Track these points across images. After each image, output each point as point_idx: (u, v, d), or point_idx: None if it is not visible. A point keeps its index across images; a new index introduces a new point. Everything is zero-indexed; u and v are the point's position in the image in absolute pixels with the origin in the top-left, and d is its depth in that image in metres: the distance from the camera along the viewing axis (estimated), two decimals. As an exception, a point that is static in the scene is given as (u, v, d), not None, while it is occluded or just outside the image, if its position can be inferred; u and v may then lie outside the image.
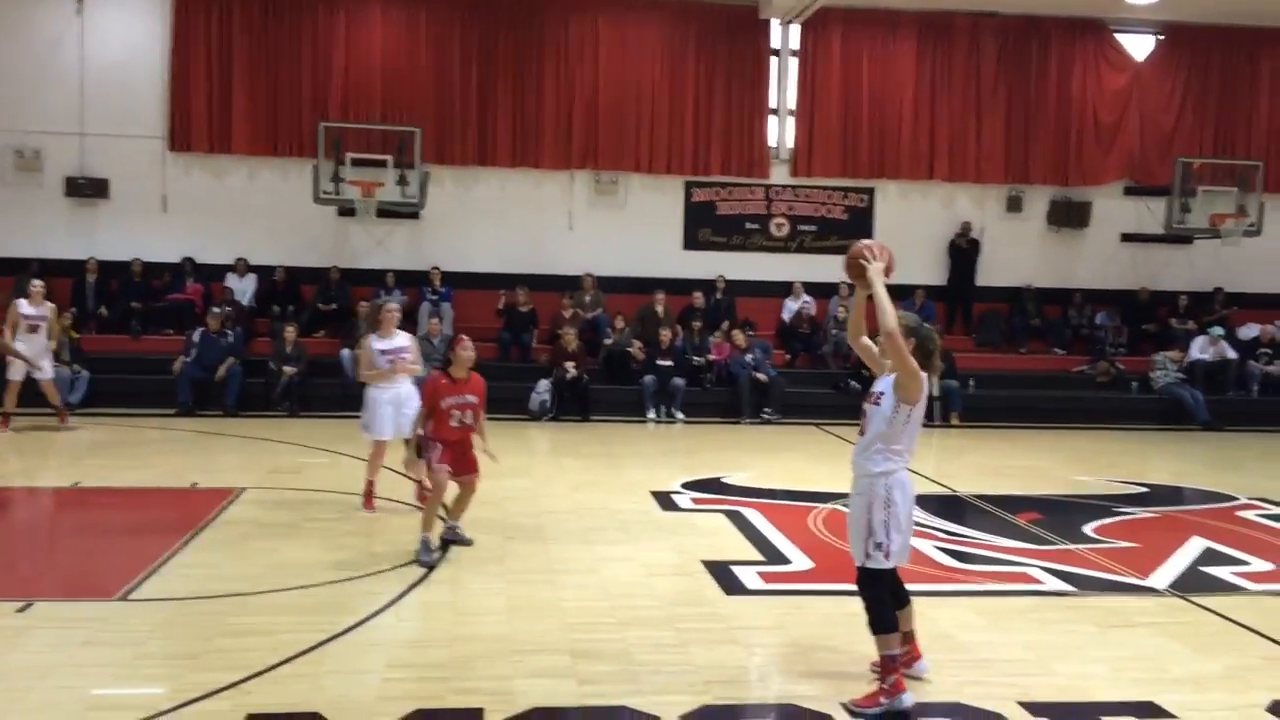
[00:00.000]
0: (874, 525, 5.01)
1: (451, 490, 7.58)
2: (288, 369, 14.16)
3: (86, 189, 15.91)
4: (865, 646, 5.30)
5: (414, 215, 16.36)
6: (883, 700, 4.97)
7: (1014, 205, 17.94)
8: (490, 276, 16.33)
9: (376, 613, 6.13)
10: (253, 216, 16.26)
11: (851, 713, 4.93)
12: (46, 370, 12.45)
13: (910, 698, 4.99)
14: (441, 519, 7.65)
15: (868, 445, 5.07)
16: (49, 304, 12.74)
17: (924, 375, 4.99)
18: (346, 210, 15.98)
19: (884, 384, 5.06)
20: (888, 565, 5.06)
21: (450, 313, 15.67)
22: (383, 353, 8.78)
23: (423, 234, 16.75)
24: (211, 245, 16.03)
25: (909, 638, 5.37)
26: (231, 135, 16.14)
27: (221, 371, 14.00)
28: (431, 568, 7.02)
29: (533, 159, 16.82)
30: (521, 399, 14.44)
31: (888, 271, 5.01)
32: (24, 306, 12.40)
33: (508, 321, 15.92)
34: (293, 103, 16.22)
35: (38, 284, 12.73)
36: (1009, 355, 17.18)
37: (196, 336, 14.30)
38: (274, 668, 5.23)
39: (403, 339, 8.94)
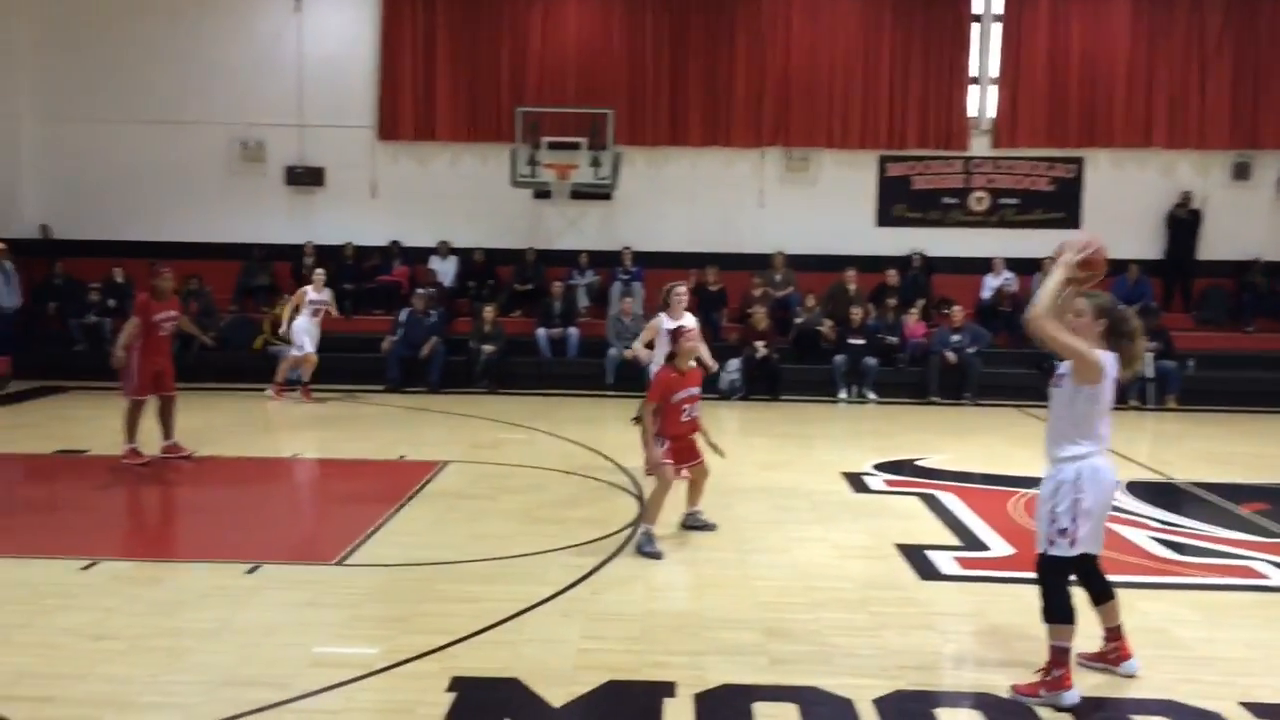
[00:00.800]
0: (1058, 512, 4.80)
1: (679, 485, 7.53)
2: (486, 348, 14.69)
3: (304, 177, 16.93)
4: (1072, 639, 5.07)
5: (606, 196, 16.63)
6: (1043, 692, 4.80)
7: (1240, 172, 16.64)
8: (681, 256, 16.42)
9: (572, 585, 6.29)
10: (454, 200, 16.90)
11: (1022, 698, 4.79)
12: (308, 348, 13.72)
13: (1075, 696, 4.76)
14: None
15: (1053, 429, 4.89)
16: (328, 290, 14.09)
17: (1100, 356, 4.71)
18: (542, 193, 16.40)
19: (1065, 366, 4.83)
20: (1072, 553, 4.82)
21: (641, 292, 15.86)
22: (669, 332, 9.20)
23: (615, 214, 17.01)
24: (416, 229, 16.77)
25: (1116, 633, 5.11)
26: (435, 123, 16.82)
27: (426, 350, 14.67)
28: (658, 557, 6.89)
29: (723, 137, 16.79)
30: (711, 378, 14.33)
31: (1091, 265, 4.76)
32: (310, 293, 13.77)
33: (698, 301, 15.96)
34: (492, 89, 16.74)
35: (320, 272, 14.09)
36: (1233, 334, 15.98)
37: (403, 317, 15.03)
38: (476, 634, 5.45)
39: (689, 320, 9.16)
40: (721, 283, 16.05)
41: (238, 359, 15.14)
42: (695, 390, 7.34)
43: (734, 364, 14.60)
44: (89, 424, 11.40)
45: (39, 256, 16.05)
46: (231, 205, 16.90)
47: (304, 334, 13.68)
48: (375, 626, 5.62)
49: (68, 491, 8.66)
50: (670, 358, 7.47)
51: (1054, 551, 4.84)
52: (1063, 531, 4.81)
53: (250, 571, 6.42)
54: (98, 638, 5.33)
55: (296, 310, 13.75)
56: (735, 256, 16.41)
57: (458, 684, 4.83)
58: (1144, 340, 4.99)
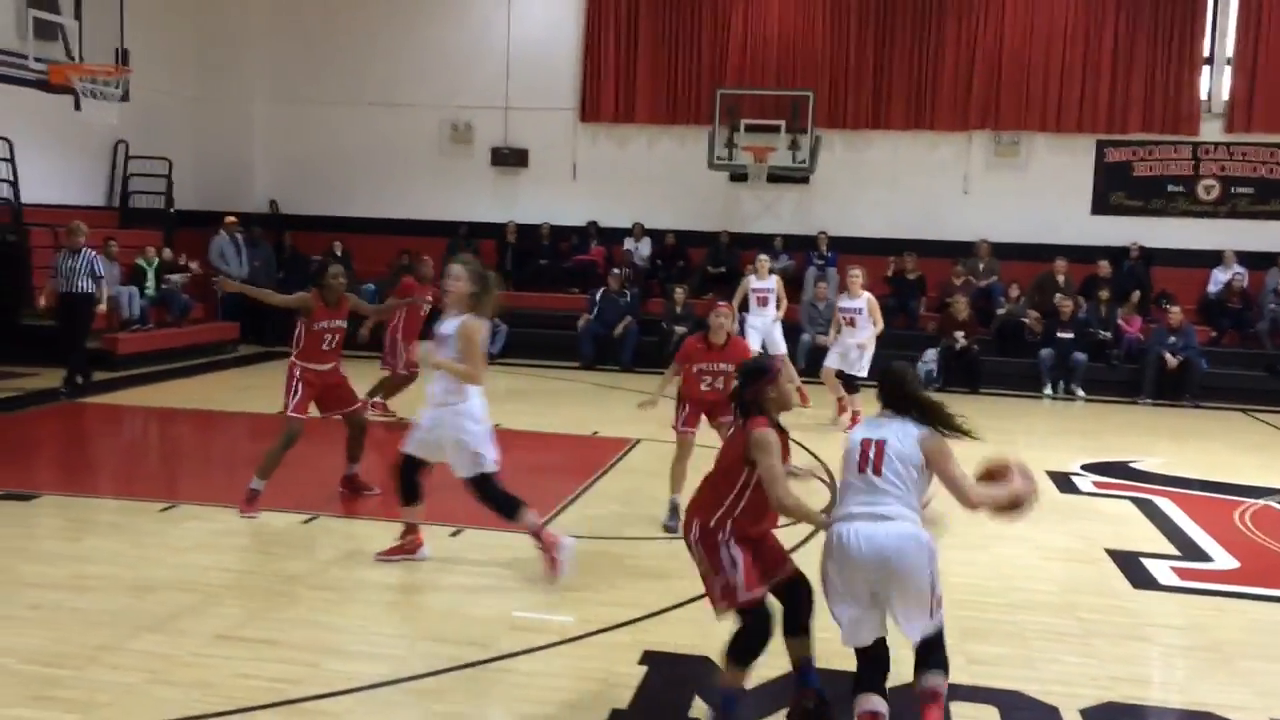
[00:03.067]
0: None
1: None
2: (679, 328, 14.77)
3: (510, 158, 17.44)
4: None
5: (804, 180, 16.41)
6: None
7: None
8: (879, 242, 16.04)
9: (763, 568, 6.25)
10: (650, 182, 17.04)
11: None
12: None
13: None
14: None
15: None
16: (774, 277, 12.57)
17: None
18: (738, 175, 16.33)
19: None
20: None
21: (836, 278, 15.57)
22: (841, 310, 9.50)
23: (811, 198, 16.77)
24: (613, 210, 17.00)
25: None
26: (635, 105, 16.99)
27: (620, 329, 14.88)
28: (674, 531, 6.53)
29: (927, 121, 16.26)
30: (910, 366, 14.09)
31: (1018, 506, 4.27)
32: (754, 281, 12.40)
33: (895, 288, 15.58)
34: (691, 72, 16.77)
35: (764, 259, 12.63)
36: None
37: (598, 296, 15.30)
38: (667, 610, 5.50)
39: (860, 301, 10.61)
40: (920, 270, 15.60)
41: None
42: (725, 366, 6.87)
43: (931, 354, 14.18)
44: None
45: (268, 229, 17.16)
46: (440, 184, 17.59)
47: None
48: (571, 596, 5.75)
49: (292, 450, 9.23)
50: (705, 330, 7.22)
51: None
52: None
53: (454, 535, 6.68)
54: (316, 588, 5.67)
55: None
56: (936, 244, 15.90)
57: (649, 657, 4.89)
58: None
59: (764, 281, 12.25)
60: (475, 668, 4.72)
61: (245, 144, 17.77)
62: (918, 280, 15.59)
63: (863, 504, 4.10)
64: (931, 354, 14.16)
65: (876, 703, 4.08)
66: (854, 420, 10.99)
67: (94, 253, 11.42)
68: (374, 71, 17.48)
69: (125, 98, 9.72)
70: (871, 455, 4.13)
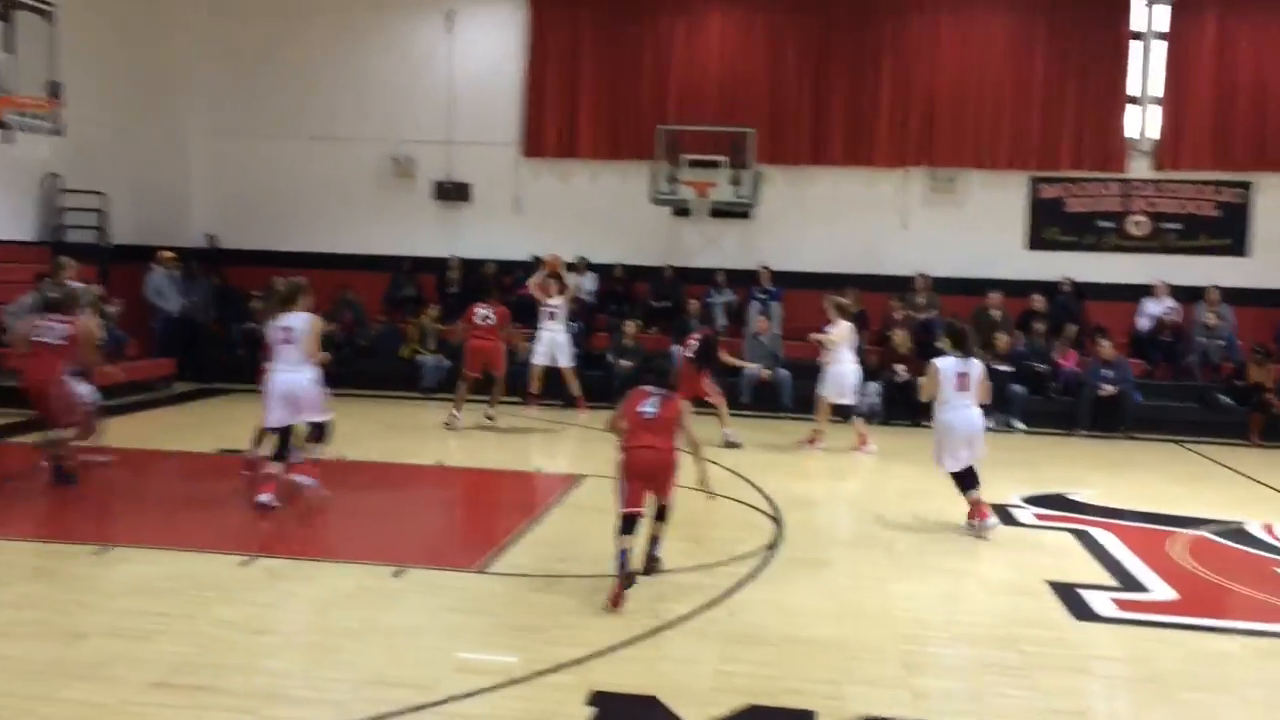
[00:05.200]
0: None
1: None
2: (624, 363, 14.77)
3: (452, 192, 17.39)
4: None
5: (746, 215, 16.57)
6: None
7: None
8: (820, 276, 16.19)
9: (708, 605, 6.24)
10: (593, 217, 17.09)
11: None
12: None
13: None
14: None
15: None
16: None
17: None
18: (681, 210, 16.45)
19: None
20: None
21: (779, 312, 15.73)
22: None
23: (754, 233, 16.93)
24: (556, 244, 16.85)
25: None
26: (577, 140, 17.06)
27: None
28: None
29: (866, 157, 16.55)
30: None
31: None
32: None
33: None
34: (633, 108, 16.89)
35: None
36: None
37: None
38: (614, 649, 5.45)
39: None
40: (861, 304, 15.78)
41: (385, 366, 15.61)
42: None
43: (873, 387, 14.32)
44: (248, 425, 11.87)
45: (206, 264, 16.87)
46: (382, 219, 17.47)
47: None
48: (515, 635, 5.68)
49: (227, 489, 9.05)
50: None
51: None
52: None
53: (396, 574, 6.58)
54: (255, 631, 5.53)
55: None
56: (876, 278, 16.11)
57: (597, 699, 4.84)
58: None
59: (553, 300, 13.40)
60: (419, 711, 4.63)
61: (182, 178, 17.53)
62: (859, 314, 15.74)
63: (961, 404, 8.26)
64: (873, 387, 14.30)
65: (975, 493, 8.30)
66: (813, 442, 11.78)
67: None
68: (314, 105, 17.37)
69: (58, 132, 9.50)
70: (962, 377, 8.26)
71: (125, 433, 11.28)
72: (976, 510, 8.26)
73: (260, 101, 17.45)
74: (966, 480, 8.30)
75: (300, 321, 8.33)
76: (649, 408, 6.52)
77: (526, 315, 16.12)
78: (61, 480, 8.63)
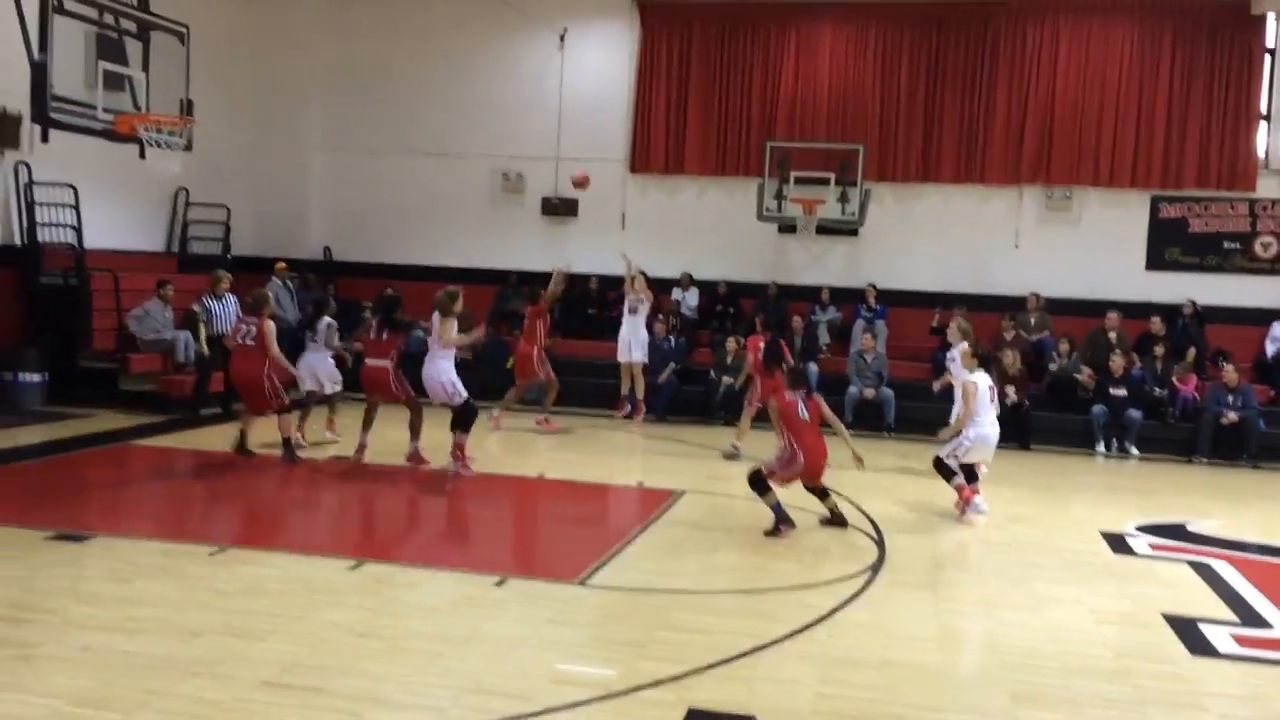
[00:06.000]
0: None
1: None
2: (726, 379, 14.74)
3: (559, 208, 17.61)
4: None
5: (853, 232, 16.39)
6: None
7: None
8: (927, 295, 15.95)
9: (809, 625, 6.17)
10: (699, 233, 17.11)
11: None
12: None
13: None
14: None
15: None
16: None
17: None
18: (787, 227, 16.36)
19: None
20: None
21: (884, 330, 15.52)
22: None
23: (860, 251, 16.74)
24: (661, 259, 17.03)
25: None
26: (684, 157, 17.12)
27: (662, 377, 14.87)
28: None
29: (978, 174, 16.22)
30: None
31: None
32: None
33: (943, 341, 15.44)
34: (741, 124, 16.89)
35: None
36: None
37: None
38: (712, 666, 5.43)
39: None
40: (969, 324, 15.43)
41: (491, 377, 15.85)
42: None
43: (981, 409, 13.99)
44: (355, 431, 12.22)
45: (322, 275, 17.42)
46: (491, 233, 17.79)
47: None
48: (613, 649, 5.70)
49: (339, 495, 9.31)
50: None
51: None
52: None
53: (498, 584, 6.67)
54: (361, 635, 5.67)
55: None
56: (986, 298, 15.77)
57: (693, 716, 4.82)
58: None
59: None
60: (518, 721, 4.69)
61: (301, 192, 18.13)
62: (986, 356, 15.40)
63: (992, 418, 9.43)
64: (981, 409, 13.98)
65: (977, 485, 9.41)
66: (965, 500, 9.35)
67: (235, 299, 12.71)
68: (428, 122, 17.80)
69: (189, 147, 9.97)
70: (992, 390, 9.41)
71: (250, 436, 11.69)
72: (962, 496, 9.30)
73: (376, 119, 17.96)
74: (969, 474, 9.46)
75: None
76: (803, 413, 8.19)
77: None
78: (289, 459, 9.97)
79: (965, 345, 10.47)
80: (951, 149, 16.25)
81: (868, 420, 14.32)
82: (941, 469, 9.49)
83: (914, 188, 16.50)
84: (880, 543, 8.25)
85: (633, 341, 14.39)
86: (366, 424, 10.51)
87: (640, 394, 14.41)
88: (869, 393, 14.48)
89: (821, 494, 8.61)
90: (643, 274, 14.70)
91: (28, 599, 6.05)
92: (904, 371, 15.19)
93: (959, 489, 9.33)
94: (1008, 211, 16.32)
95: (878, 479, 11.14)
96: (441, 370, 10.03)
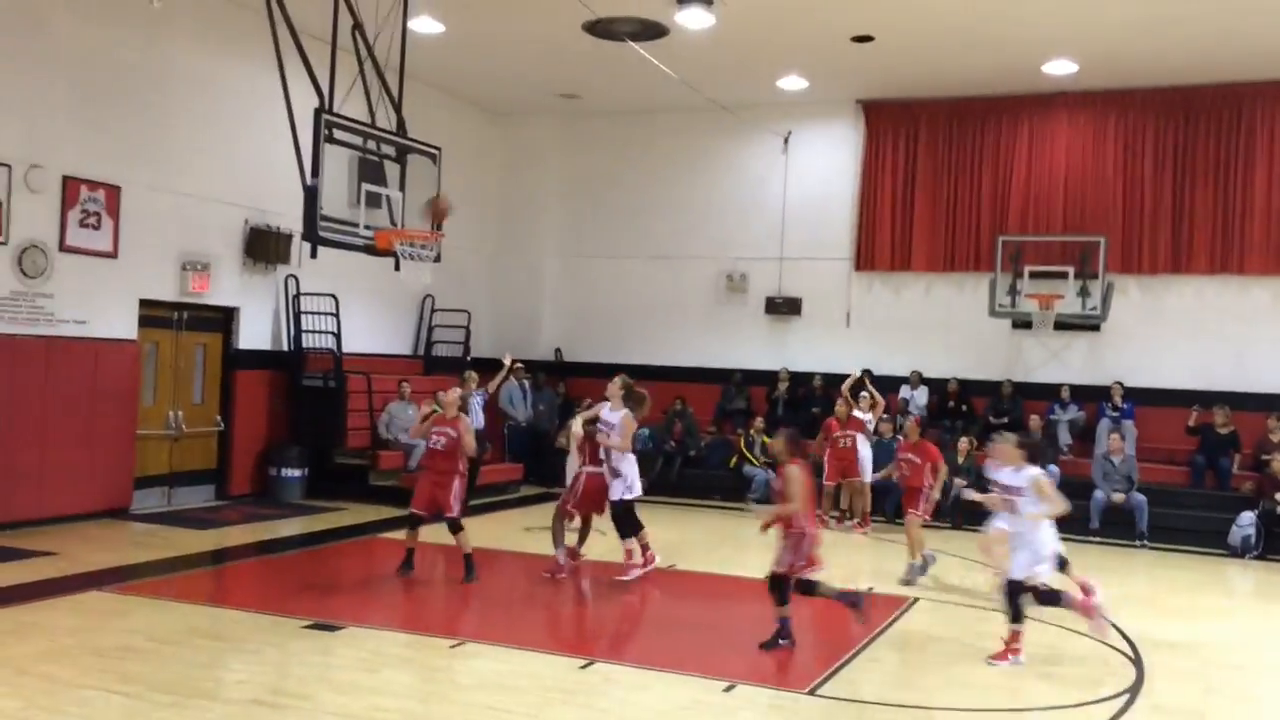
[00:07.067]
0: None
1: None
2: (959, 481, 14.15)
3: (783, 307, 17.65)
4: None
5: (1095, 327, 15.56)
6: None
7: None
8: (1181, 393, 14.88)
9: (1062, 752, 5.74)
10: (927, 330, 16.70)
11: None
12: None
13: None
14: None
15: None
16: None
17: None
18: (1021, 322, 15.73)
19: None
20: None
21: (1133, 430, 14.55)
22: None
23: (1103, 346, 15.84)
24: (887, 358, 16.73)
25: None
26: (911, 253, 16.84)
27: (882, 475, 14.43)
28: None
29: (1237, 263, 15.10)
30: (1221, 530, 12.87)
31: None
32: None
33: (1202, 441, 14.33)
34: (971, 218, 16.50)
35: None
36: None
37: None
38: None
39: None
40: (1232, 424, 14.28)
41: (714, 477, 15.90)
42: None
43: (1248, 517, 12.84)
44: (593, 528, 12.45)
45: (552, 375, 18.10)
46: (715, 332, 18.00)
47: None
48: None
49: (570, 592, 9.47)
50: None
51: None
52: None
53: (727, 690, 6.56)
54: (592, 736, 5.69)
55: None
56: (1251, 396, 14.55)
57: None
58: None
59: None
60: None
61: (535, 296, 18.99)
62: (1230, 435, 14.26)
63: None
64: (1248, 517, 12.83)
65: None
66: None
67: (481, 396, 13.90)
68: (654, 227, 18.34)
69: (438, 259, 10.66)
70: None
71: (480, 533, 12.15)
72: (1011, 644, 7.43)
73: (606, 225, 18.69)
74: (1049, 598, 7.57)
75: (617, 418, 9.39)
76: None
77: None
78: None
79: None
80: (1204, 238, 15.25)
81: (1118, 528, 13.39)
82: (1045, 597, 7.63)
83: (1163, 279, 15.55)
84: (1138, 663, 7.61)
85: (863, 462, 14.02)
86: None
87: (867, 506, 14.00)
88: (1118, 498, 13.57)
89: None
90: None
91: (285, 685, 6.43)
92: (1156, 475, 14.17)
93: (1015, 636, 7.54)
94: (1273, 302, 15.09)
95: (1131, 590, 10.36)
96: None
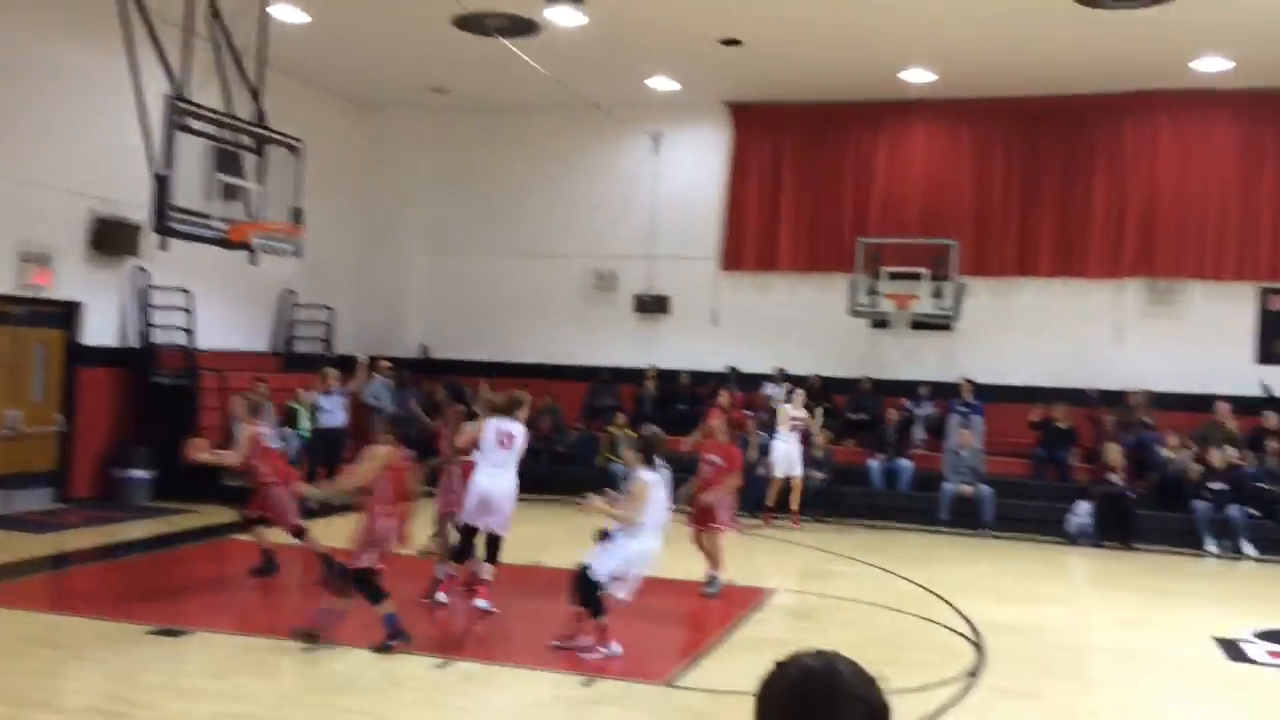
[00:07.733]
0: None
1: None
2: (816, 474, 14.55)
3: (651, 305, 17.82)
4: None
5: (947, 327, 16.18)
6: None
7: None
8: (1026, 390, 15.61)
9: (904, 734, 5.96)
10: (791, 328, 17.09)
11: None
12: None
13: None
14: None
15: None
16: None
17: None
18: (879, 322, 16.26)
19: None
20: None
21: (981, 426, 15.19)
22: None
23: (955, 345, 16.49)
24: (752, 355, 17.07)
25: None
26: (776, 254, 17.23)
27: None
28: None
29: (1077, 268, 15.93)
30: (1060, 520, 13.56)
31: None
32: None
33: (1043, 435, 15.07)
34: (833, 221, 16.95)
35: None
36: None
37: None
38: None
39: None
40: (1071, 420, 15.06)
41: (580, 474, 15.93)
42: None
43: (1084, 507, 13.55)
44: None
45: (417, 373, 17.85)
46: (584, 330, 18.06)
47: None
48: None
49: (416, 591, 9.35)
50: None
51: None
52: None
53: (585, 684, 6.61)
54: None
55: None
56: (1085, 393, 15.35)
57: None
58: None
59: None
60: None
61: (400, 292, 18.70)
62: (1069, 430, 15.04)
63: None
64: (1084, 507, 13.54)
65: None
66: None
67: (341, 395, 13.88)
68: (525, 224, 18.27)
69: (298, 253, 10.41)
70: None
71: (343, 535, 11.92)
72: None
73: (474, 222, 18.53)
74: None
75: (520, 431, 8.43)
76: None
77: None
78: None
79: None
80: (1049, 243, 16.04)
81: (965, 518, 13.99)
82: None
83: (1010, 282, 16.29)
84: (979, 646, 7.97)
85: (794, 458, 14.25)
86: None
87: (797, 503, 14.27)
88: (966, 489, 14.15)
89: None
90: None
91: (126, 693, 6.19)
92: (1002, 467, 14.83)
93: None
94: (1108, 305, 15.96)
95: (974, 578, 10.82)
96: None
